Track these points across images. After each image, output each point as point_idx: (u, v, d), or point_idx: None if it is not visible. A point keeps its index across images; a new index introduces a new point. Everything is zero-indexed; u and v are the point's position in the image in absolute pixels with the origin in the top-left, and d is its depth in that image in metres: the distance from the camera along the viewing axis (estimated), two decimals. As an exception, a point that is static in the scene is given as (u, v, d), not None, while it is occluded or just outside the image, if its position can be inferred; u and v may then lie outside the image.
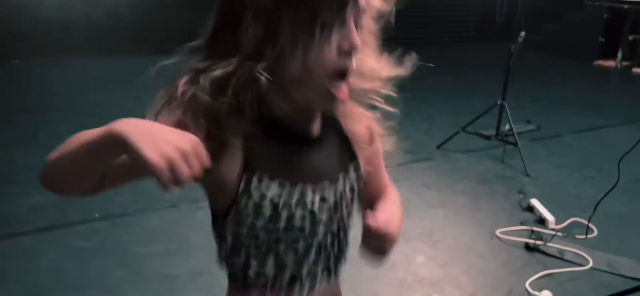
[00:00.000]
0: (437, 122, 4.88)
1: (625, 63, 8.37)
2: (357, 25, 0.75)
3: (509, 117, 3.92)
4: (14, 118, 4.28)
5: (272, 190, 0.77)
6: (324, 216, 0.83)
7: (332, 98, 0.76)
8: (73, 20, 6.52)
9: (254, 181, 0.76)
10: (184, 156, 0.63)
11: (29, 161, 3.45)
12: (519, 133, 4.07)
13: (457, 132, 4.14)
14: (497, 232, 2.83)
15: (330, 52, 0.72)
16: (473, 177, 3.60)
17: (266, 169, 0.77)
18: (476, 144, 4.21)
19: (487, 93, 6.01)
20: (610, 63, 8.50)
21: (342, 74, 0.75)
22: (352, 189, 0.87)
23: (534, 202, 3.10)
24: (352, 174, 0.87)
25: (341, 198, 0.85)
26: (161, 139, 0.63)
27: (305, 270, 0.83)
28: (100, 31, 6.68)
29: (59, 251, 2.48)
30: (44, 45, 6.40)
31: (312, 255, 0.83)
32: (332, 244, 0.86)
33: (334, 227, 0.85)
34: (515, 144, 3.80)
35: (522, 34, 3.73)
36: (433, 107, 5.36)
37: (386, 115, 0.95)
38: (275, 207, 0.77)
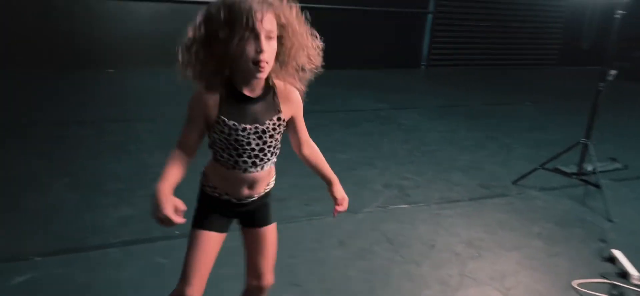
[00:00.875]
0: (514, 153, 4.74)
1: None
2: (267, 37, 1.45)
3: (593, 158, 3.73)
4: (106, 127, 4.60)
5: (229, 124, 1.52)
6: (252, 139, 1.56)
7: (255, 73, 1.47)
8: (164, 32, 6.89)
9: (221, 118, 1.52)
10: (163, 221, 1.47)
11: (119, 171, 3.71)
12: (602, 172, 3.87)
13: (536, 169, 4.00)
14: (574, 283, 2.71)
15: (250, 52, 1.43)
16: (550, 218, 3.46)
17: (227, 113, 1.53)
18: (555, 181, 4.05)
19: (568, 123, 5.77)
20: None
21: (255, 62, 1.44)
22: (274, 128, 1.58)
23: (616, 253, 2.94)
24: (275, 119, 1.59)
25: (265, 131, 1.57)
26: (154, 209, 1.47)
27: (241, 161, 1.58)
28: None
29: (142, 266, 2.65)
30: (137, 56, 6.84)
31: (244, 156, 1.58)
32: (258, 152, 1.59)
33: (260, 144, 1.58)
34: (598, 186, 3.61)
35: (613, 72, 3.55)
36: (510, 136, 5.20)
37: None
38: (229, 132, 1.53)
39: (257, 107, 1.55)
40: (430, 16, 8.50)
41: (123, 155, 4.05)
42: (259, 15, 1.40)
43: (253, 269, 1.83)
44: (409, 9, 8.28)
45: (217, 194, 1.67)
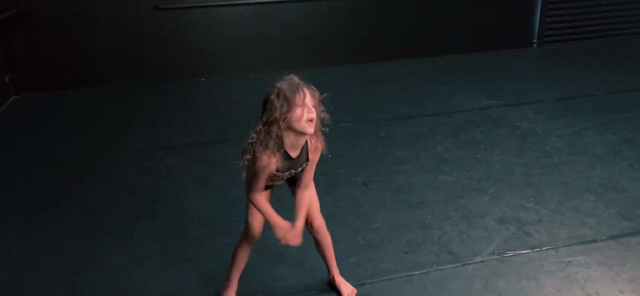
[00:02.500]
0: (661, 165, 3.89)
1: None
2: (313, 106, 2.10)
3: None
4: (193, 154, 4.41)
5: (278, 175, 2.24)
6: (284, 177, 2.31)
7: (308, 130, 2.10)
8: (248, 36, 6.68)
9: (276, 174, 2.22)
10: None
11: (203, 210, 3.48)
12: None
13: (696, 194, 3.19)
14: None
15: (304, 116, 2.08)
16: None
17: (280, 169, 2.20)
18: None
19: None
20: None
21: (309, 121, 2.09)
22: (301, 170, 2.29)
23: None
24: (304, 165, 2.27)
25: (293, 173, 2.29)
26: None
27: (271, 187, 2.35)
28: (274, 45, 6.78)
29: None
30: (226, 62, 6.68)
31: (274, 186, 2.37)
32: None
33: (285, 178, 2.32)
34: None
35: None
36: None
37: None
38: (273, 177, 2.25)
39: (297, 161, 2.24)
40: (542, -14, 7.48)
41: (209, 188, 3.83)
42: (306, 91, 2.13)
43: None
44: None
45: None
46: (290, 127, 2.10)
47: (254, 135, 2.13)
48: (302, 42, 6.85)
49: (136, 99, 5.91)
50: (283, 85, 2.10)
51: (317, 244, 2.60)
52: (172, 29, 6.45)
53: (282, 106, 2.05)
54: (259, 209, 2.26)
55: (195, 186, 3.86)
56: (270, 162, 2.13)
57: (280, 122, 2.07)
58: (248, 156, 2.14)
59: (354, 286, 2.68)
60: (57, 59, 6.19)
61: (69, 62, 6.24)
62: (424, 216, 3.34)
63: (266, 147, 2.11)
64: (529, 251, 2.93)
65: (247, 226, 2.43)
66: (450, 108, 5.25)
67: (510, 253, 2.92)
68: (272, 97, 2.08)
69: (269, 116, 2.07)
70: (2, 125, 5.26)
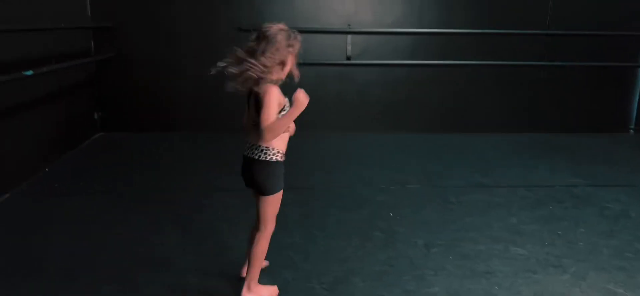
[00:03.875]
0: None
1: None
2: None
3: None
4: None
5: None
6: None
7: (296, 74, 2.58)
8: (326, 97, 6.68)
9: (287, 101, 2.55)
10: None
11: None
12: None
13: None
14: None
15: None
16: None
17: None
18: None
19: None
20: None
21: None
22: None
23: None
24: None
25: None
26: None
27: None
28: (351, 108, 6.73)
29: None
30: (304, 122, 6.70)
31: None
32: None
33: None
34: None
35: None
36: None
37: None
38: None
39: None
40: (642, 70, 6.94)
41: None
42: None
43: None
44: (615, 62, 6.84)
45: (281, 157, 2.55)
46: (279, 72, 2.46)
47: (260, 68, 2.37)
48: (380, 107, 6.75)
49: (209, 145, 6.01)
50: (288, 31, 2.45)
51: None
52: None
53: (291, 52, 2.43)
54: (281, 126, 2.40)
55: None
56: (278, 92, 2.45)
57: (284, 66, 2.46)
58: (264, 91, 2.39)
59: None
60: (143, 102, 6.51)
61: (153, 106, 6.53)
62: (490, 287, 2.95)
63: (277, 77, 2.46)
64: (614, 340, 2.46)
65: (272, 223, 2.61)
66: (530, 182, 4.82)
67: (590, 340, 2.47)
68: (284, 40, 2.41)
69: (278, 55, 2.40)
70: (85, 156, 5.50)
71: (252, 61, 2.36)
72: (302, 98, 2.41)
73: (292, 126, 2.64)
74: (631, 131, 7.14)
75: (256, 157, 2.52)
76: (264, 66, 2.36)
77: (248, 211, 3.80)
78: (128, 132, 6.43)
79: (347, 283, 2.97)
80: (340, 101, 6.70)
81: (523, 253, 3.38)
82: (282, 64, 2.45)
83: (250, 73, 2.36)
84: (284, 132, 2.52)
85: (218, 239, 3.52)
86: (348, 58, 6.67)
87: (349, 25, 6.56)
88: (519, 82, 6.84)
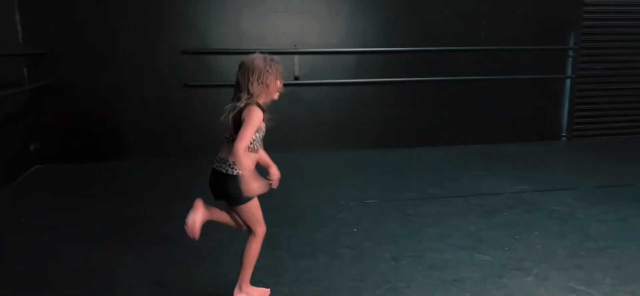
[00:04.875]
0: None
1: None
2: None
3: None
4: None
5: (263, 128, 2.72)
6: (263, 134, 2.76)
7: (275, 98, 2.71)
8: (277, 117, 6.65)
9: (264, 125, 2.70)
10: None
11: (218, 274, 3.20)
12: None
13: None
14: None
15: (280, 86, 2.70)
16: None
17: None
18: None
19: None
20: None
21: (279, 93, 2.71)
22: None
23: None
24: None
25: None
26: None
27: (259, 146, 2.74)
28: (302, 128, 6.73)
29: None
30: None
31: (260, 142, 2.75)
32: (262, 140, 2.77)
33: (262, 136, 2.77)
34: None
35: None
36: None
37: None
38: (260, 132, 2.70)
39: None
40: (568, 81, 7.42)
41: (226, 257, 3.56)
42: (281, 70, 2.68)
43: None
44: (543, 74, 7.28)
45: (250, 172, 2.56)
46: (267, 93, 2.63)
47: (247, 95, 2.58)
48: (330, 126, 6.80)
49: (159, 173, 5.79)
50: (264, 57, 2.63)
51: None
52: (199, 107, 6.46)
53: (271, 73, 2.60)
54: (245, 158, 2.48)
55: (211, 254, 3.60)
56: (262, 116, 2.59)
57: (269, 87, 2.60)
58: (247, 110, 2.54)
59: None
60: (84, 131, 6.20)
61: (95, 135, 6.24)
62: (461, 294, 3.01)
63: (258, 105, 2.58)
64: (586, 335, 2.57)
65: (260, 225, 2.76)
66: (480, 191, 5.00)
67: (564, 337, 2.57)
68: (262, 64, 2.59)
69: (260, 79, 2.57)
70: (22, 191, 5.14)
71: (242, 94, 2.61)
72: (254, 188, 2.50)
73: (277, 174, 2.91)
74: (563, 138, 7.59)
75: (225, 171, 2.62)
76: (250, 93, 2.57)
77: (211, 236, 3.70)
78: (68, 163, 6.09)
79: (322, 302, 2.93)
80: (291, 121, 6.68)
81: (487, 259, 3.48)
82: (266, 87, 2.60)
83: (239, 103, 2.58)
84: (254, 152, 2.67)
85: (184, 268, 3.38)
86: (296, 78, 6.69)
87: (295, 45, 6.59)
88: (461, 96, 7.12)
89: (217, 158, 2.68)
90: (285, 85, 6.65)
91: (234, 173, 2.58)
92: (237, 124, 2.55)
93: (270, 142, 6.53)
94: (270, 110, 6.63)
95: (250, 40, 6.39)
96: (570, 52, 7.35)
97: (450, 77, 6.97)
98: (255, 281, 3.11)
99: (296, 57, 6.64)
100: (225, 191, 2.64)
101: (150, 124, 6.35)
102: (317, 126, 6.81)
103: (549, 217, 4.28)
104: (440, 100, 7.08)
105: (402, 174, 5.63)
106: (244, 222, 2.77)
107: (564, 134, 7.61)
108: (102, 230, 4.02)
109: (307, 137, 6.78)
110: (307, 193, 4.94)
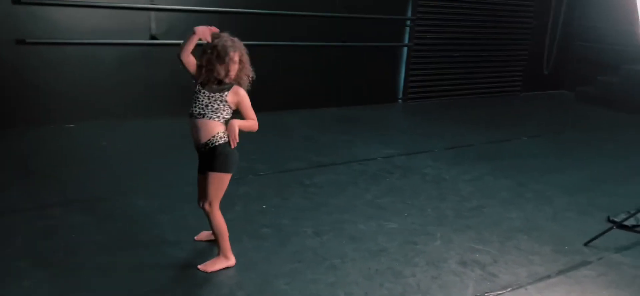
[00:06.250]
0: (556, 204, 4.42)
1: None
2: (235, 62, 2.88)
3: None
4: (100, 208, 3.74)
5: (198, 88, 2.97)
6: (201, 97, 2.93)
7: (224, 80, 2.91)
8: (131, 82, 6.08)
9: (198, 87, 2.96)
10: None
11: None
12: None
13: (610, 229, 3.68)
14: None
15: (223, 72, 2.87)
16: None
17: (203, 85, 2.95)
18: (623, 238, 3.75)
19: (578, 162, 5.60)
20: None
21: (226, 76, 2.89)
22: (215, 100, 2.90)
23: None
24: (220, 96, 2.90)
25: (210, 98, 2.90)
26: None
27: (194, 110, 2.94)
28: (160, 93, 6.25)
29: None
30: (99, 107, 5.94)
31: (194, 107, 2.92)
32: (204, 107, 2.90)
33: (204, 102, 2.91)
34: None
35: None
36: (537, 182, 4.91)
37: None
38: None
39: (215, 88, 2.88)
40: (406, 49, 8.21)
41: (119, 252, 3.24)
42: (231, 55, 2.82)
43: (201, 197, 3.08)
44: (386, 43, 7.95)
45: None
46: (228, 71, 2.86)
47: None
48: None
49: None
50: (229, 39, 2.88)
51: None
52: (38, 67, 5.54)
53: (213, 57, 2.83)
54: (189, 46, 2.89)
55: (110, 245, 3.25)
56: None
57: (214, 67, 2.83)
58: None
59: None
60: None
61: None
62: (392, 264, 3.27)
63: (205, 78, 2.89)
64: (504, 291, 3.04)
65: (218, 202, 2.95)
66: (357, 157, 5.35)
67: (489, 295, 3.00)
68: (220, 45, 2.82)
69: (221, 56, 2.81)
70: None
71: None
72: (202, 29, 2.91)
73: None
74: (399, 100, 8.43)
75: (217, 144, 2.92)
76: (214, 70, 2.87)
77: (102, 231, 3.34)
78: None
79: (271, 287, 2.91)
80: (149, 85, 6.16)
81: (395, 227, 3.80)
82: (225, 66, 2.84)
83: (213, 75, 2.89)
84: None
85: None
86: (152, 37, 6.15)
87: (152, 1, 6.03)
88: (316, 60, 7.36)
89: (201, 142, 2.89)
90: (141, 45, 6.17)
91: (224, 141, 2.88)
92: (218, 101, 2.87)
93: (126, 108, 6.00)
94: (124, 72, 6.08)
95: (103, -8, 5.64)
96: (408, 22, 8.09)
97: (305, 43, 7.15)
98: (198, 284, 2.93)
99: (152, 14, 6.09)
100: (215, 159, 2.88)
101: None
102: (178, 90, 6.37)
103: (423, 180, 4.81)
104: (297, 64, 7.21)
105: (278, 142, 5.68)
106: (207, 192, 2.90)
107: (400, 97, 8.44)
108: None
109: (168, 102, 6.32)
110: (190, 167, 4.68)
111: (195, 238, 3.39)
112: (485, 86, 9.29)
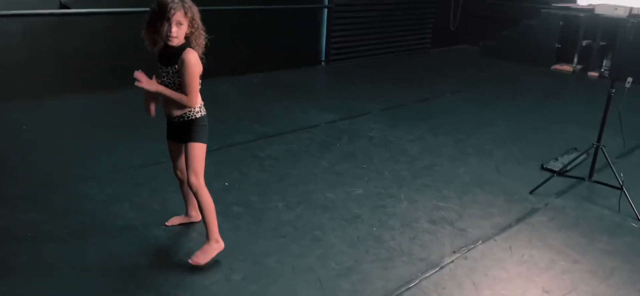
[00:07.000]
0: (496, 157, 4.76)
1: (579, 67, 8.99)
2: (177, 23, 2.57)
3: (610, 162, 3.88)
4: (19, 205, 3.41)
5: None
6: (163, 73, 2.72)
7: (168, 42, 2.61)
8: (41, 57, 5.50)
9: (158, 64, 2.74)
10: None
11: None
12: (577, 166, 4.06)
13: (551, 177, 4.04)
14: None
15: (166, 31, 2.57)
16: (602, 231, 3.50)
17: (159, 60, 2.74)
18: (559, 184, 4.14)
19: (506, 115, 6.05)
20: (567, 68, 9.06)
21: (168, 37, 2.57)
22: (173, 72, 2.67)
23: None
24: (175, 69, 2.65)
25: (168, 73, 2.69)
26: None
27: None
28: (73, 67, 5.72)
29: None
30: (10, 89, 5.33)
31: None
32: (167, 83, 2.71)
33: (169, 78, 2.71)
34: (620, 188, 3.77)
35: (630, 79, 3.70)
36: (473, 137, 5.24)
37: None
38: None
39: (168, 58, 2.68)
40: (326, 11, 8.21)
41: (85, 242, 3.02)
42: (172, 12, 2.53)
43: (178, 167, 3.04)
44: (306, 5, 7.88)
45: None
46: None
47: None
48: (111, 62, 5.95)
49: None
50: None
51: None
52: None
53: (156, 15, 2.58)
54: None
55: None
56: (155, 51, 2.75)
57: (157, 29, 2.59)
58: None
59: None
60: None
61: None
62: (370, 229, 3.35)
63: (151, 43, 2.72)
64: (478, 244, 3.25)
65: (200, 175, 2.75)
66: (301, 124, 5.33)
67: (465, 250, 3.19)
68: (152, 6, 2.59)
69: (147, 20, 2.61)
70: None
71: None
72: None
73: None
74: (322, 63, 8.46)
75: (193, 117, 2.84)
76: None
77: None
78: None
79: (264, 267, 2.87)
80: (60, 59, 5.61)
81: (360, 193, 3.88)
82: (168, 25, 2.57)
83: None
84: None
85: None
86: (63, 6, 5.59)
87: (62, -35, 5.45)
88: (242, 25, 7.13)
89: (174, 116, 2.78)
90: (50, 15, 5.59)
91: (201, 115, 2.80)
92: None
93: (40, 85, 5.40)
94: (33, 46, 5.56)
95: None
96: (328, -16, 8.07)
97: (228, 7, 6.91)
98: (189, 279, 2.80)
99: (63, -21, 5.51)
100: (192, 131, 2.76)
101: None
102: (93, 62, 5.88)
103: (371, 144, 4.93)
104: (222, 30, 6.93)
105: (217, 113, 5.44)
106: (190, 165, 2.73)
107: (323, 60, 8.47)
108: None
109: (84, 76, 5.82)
110: (128, 149, 4.40)
111: (167, 223, 3.22)
112: (400, 44, 9.60)
